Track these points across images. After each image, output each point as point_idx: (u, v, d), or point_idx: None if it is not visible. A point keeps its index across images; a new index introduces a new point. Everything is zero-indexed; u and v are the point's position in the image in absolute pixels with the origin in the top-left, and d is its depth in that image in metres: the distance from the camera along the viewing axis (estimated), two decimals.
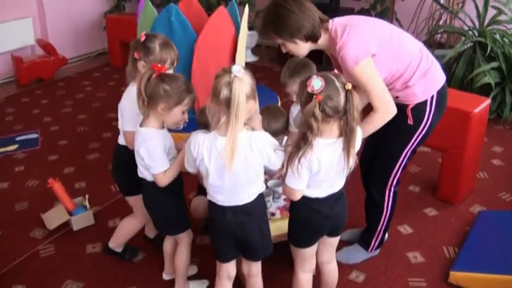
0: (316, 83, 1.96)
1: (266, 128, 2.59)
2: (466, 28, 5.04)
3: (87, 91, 5.86)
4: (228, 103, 1.96)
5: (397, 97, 2.50)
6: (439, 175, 3.52)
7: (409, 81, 2.46)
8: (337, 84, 1.98)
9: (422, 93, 2.49)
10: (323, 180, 2.14)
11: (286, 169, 2.11)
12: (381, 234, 2.87)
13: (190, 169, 2.21)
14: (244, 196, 2.16)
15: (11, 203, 3.66)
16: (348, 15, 2.51)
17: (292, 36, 2.38)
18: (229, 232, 2.23)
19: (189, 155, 2.13)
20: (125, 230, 2.96)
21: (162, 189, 2.38)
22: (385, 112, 2.40)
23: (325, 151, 2.06)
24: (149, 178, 2.39)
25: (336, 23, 2.43)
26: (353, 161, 2.10)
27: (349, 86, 1.98)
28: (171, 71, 2.52)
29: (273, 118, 2.77)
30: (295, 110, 2.74)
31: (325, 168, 2.08)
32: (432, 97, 2.51)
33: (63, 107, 5.43)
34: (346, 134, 2.03)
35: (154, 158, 2.28)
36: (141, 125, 2.32)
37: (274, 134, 2.61)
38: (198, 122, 2.65)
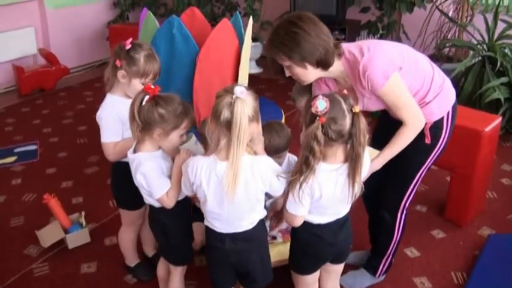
0: (321, 104, 1.85)
1: (268, 145, 2.49)
2: (475, 42, 4.94)
3: (88, 102, 5.78)
4: (228, 125, 1.84)
5: None
6: (447, 195, 3.41)
7: (425, 97, 2.34)
8: (344, 106, 1.87)
9: (439, 110, 2.38)
10: (326, 207, 2.04)
11: (287, 194, 2.01)
12: (389, 259, 2.75)
13: (187, 192, 2.10)
14: (244, 223, 2.05)
15: (6, 218, 3.57)
16: (358, 41, 2.38)
17: (303, 60, 2.19)
18: (228, 260, 2.12)
19: (186, 178, 2.02)
20: (123, 244, 2.90)
21: (171, 218, 2.26)
22: (416, 125, 2.28)
23: (328, 177, 1.95)
24: (157, 205, 2.24)
25: (346, 46, 2.29)
26: (358, 188, 1.99)
27: (356, 109, 1.87)
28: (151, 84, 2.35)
29: (275, 134, 2.66)
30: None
31: (327, 196, 1.97)
32: (448, 113, 2.41)
33: (64, 117, 5.36)
34: (352, 159, 1.92)
35: (151, 182, 2.13)
36: (134, 151, 2.18)
37: (276, 151, 2.51)
38: (198, 133, 2.53)
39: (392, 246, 2.70)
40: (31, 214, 3.59)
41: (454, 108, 2.45)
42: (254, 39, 6.26)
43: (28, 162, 4.38)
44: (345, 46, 2.30)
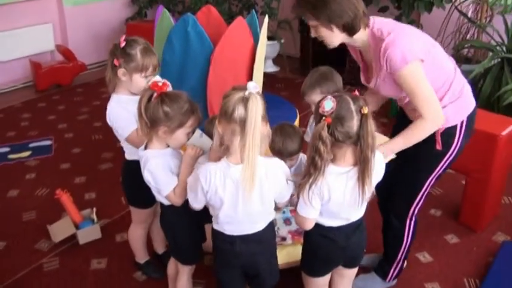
0: (328, 104, 1.82)
1: (281, 148, 2.46)
2: (494, 43, 4.86)
3: (104, 98, 5.77)
4: (242, 124, 1.79)
5: None
6: (462, 199, 3.35)
7: (441, 100, 2.27)
8: (352, 107, 1.83)
9: (453, 117, 2.31)
10: (336, 211, 2.00)
11: (298, 197, 1.97)
12: (399, 264, 2.71)
13: (198, 204, 2.01)
14: (256, 225, 2.03)
15: (19, 212, 3.59)
16: (390, 19, 2.31)
17: (330, 22, 2.14)
18: (237, 263, 2.09)
19: (198, 189, 1.93)
20: (132, 242, 2.91)
21: (177, 218, 2.25)
22: (435, 120, 2.20)
23: (337, 180, 1.92)
24: (166, 202, 2.22)
25: (379, 22, 2.23)
26: (369, 192, 1.94)
27: (365, 111, 1.83)
28: (153, 78, 2.33)
29: (288, 138, 2.62)
30: (310, 130, 2.60)
31: (335, 199, 1.94)
32: (462, 122, 2.34)
33: (80, 114, 5.38)
34: (361, 163, 1.87)
35: (158, 179, 2.11)
36: (145, 148, 2.18)
37: (290, 154, 2.48)
38: (206, 131, 2.51)
39: (402, 252, 2.66)
40: (43, 209, 3.61)
41: (470, 118, 2.37)
42: (271, 38, 6.24)
43: (42, 157, 4.40)
44: (379, 21, 2.24)
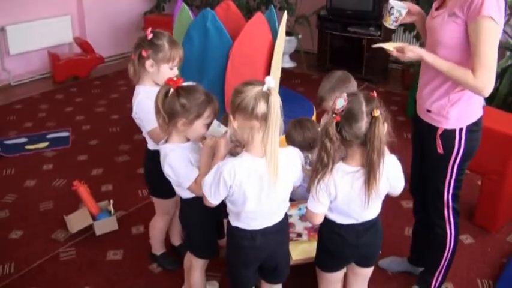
0: (339, 103, 1.85)
1: (301, 140, 2.52)
2: (511, 42, 4.84)
3: (121, 91, 5.83)
4: (264, 118, 1.81)
5: (429, 111, 2.33)
6: (477, 200, 3.34)
7: (451, 93, 2.23)
8: (364, 108, 1.84)
9: (455, 120, 2.27)
10: (344, 210, 2.02)
11: (308, 192, 2.00)
12: (442, 272, 2.62)
13: (215, 201, 2.01)
14: (276, 216, 2.06)
15: (36, 202, 3.64)
16: None
17: None
18: (257, 258, 2.12)
19: (221, 185, 1.93)
20: (153, 233, 2.95)
21: (194, 212, 2.28)
22: (481, 82, 2.08)
23: (344, 178, 1.94)
24: (184, 196, 2.26)
25: None
26: (376, 195, 1.95)
27: (376, 113, 1.83)
28: (176, 71, 2.48)
29: (307, 130, 2.67)
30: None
31: (341, 197, 1.96)
32: (461, 130, 2.29)
33: (97, 106, 5.43)
34: (367, 165, 1.89)
35: (179, 172, 2.13)
36: (165, 142, 2.20)
37: (310, 145, 2.55)
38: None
39: (446, 258, 2.58)
40: (60, 200, 3.65)
41: (470, 130, 2.30)
42: (288, 34, 6.24)
43: (60, 148, 4.45)
44: None
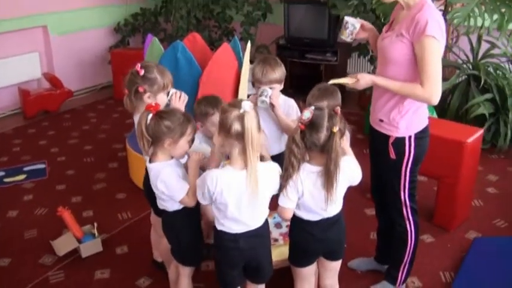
0: (306, 114, 2.14)
1: (260, 77, 2.92)
2: (460, 61, 5.20)
3: (92, 123, 6.00)
4: (240, 137, 2.08)
5: (381, 120, 2.62)
6: (435, 202, 3.64)
7: (401, 105, 2.54)
8: (325, 123, 2.12)
9: (404, 129, 2.58)
10: (311, 206, 2.28)
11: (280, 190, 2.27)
12: (407, 266, 2.89)
13: (205, 202, 2.28)
14: (256, 222, 2.29)
15: (20, 231, 3.75)
16: None
17: None
18: (241, 259, 2.34)
19: (205, 190, 2.19)
20: (154, 242, 3.13)
21: (181, 222, 2.49)
22: (430, 93, 2.42)
23: (309, 176, 2.22)
24: (170, 208, 2.46)
25: None
26: (335, 196, 2.22)
27: (334, 130, 2.11)
28: (173, 90, 2.71)
29: (268, 66, 2.93)
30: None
31: (308, 194, 2.23)
32: (410, 138, 2.60)
33: (70, 138, 5.56)
34: (325, 172, 2.17)
35: (172, 187, 2.34)
36: (150, 162, 2.41)
37: (270, 82, 2.92)
38: (195, 113, 2.78)
39: (408, 253, 2.85)
40: (44, 227, 3.78)
41: (418, 137, 2.60)
42: (250, 62, 6.49)
43: (38, 179, 4.57)
44: None
